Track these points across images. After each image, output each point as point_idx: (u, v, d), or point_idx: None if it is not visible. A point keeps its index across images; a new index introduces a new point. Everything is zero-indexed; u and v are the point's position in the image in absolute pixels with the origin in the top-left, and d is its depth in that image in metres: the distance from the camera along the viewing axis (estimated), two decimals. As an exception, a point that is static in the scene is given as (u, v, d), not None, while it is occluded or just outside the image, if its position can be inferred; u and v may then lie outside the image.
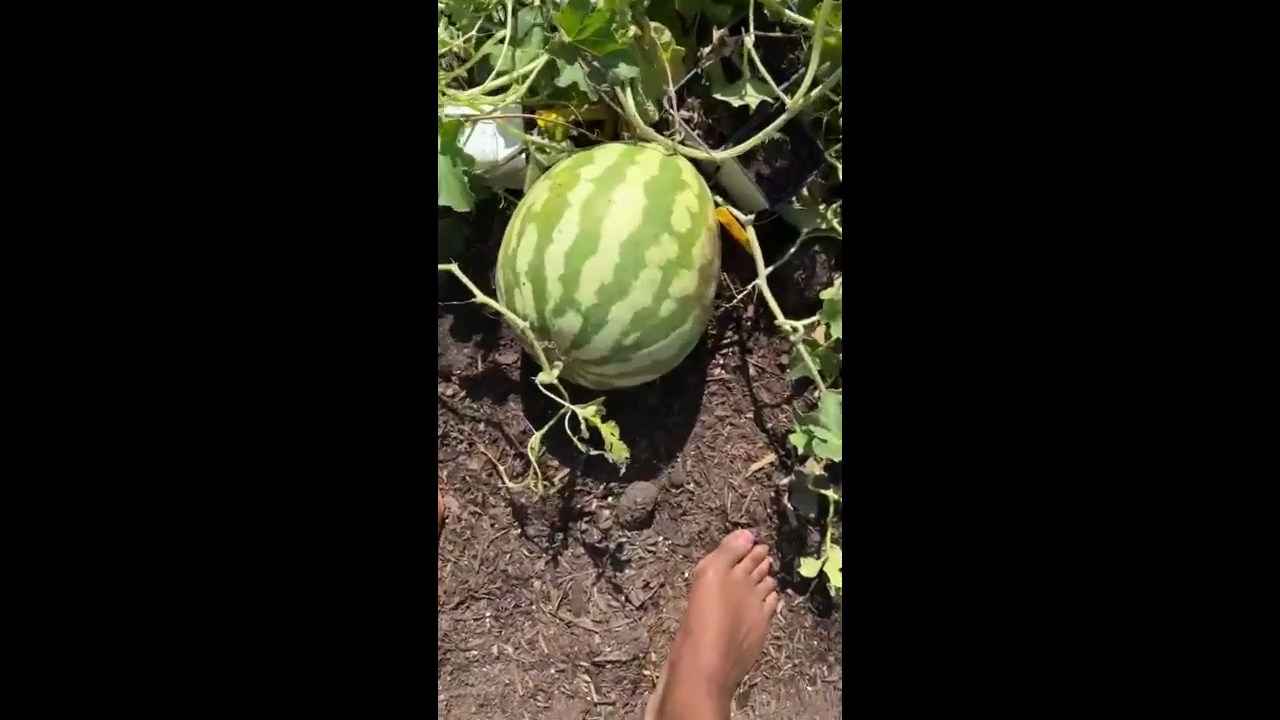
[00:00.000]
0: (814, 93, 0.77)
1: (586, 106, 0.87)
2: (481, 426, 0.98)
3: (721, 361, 1.01)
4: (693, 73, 0.87)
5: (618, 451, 0.76)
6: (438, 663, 0.90)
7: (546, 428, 0.83)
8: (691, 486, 1.00)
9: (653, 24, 0.84)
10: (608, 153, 0.78)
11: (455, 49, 0.86)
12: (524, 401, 0.98)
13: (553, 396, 0.77)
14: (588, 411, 0.75)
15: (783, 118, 0.78)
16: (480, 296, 0.76)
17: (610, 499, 0.98)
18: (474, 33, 0.84)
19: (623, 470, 0.88)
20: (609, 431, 0.75)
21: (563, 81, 0.74)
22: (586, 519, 0.98)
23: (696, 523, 0.99)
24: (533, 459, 0.83)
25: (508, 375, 0.99)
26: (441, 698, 0.95)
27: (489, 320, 0.98)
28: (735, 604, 0.86)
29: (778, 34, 0.86)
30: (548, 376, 0.74)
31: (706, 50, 0.86)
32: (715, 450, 1.00)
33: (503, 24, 0.81)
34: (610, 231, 0.72)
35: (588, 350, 0.75)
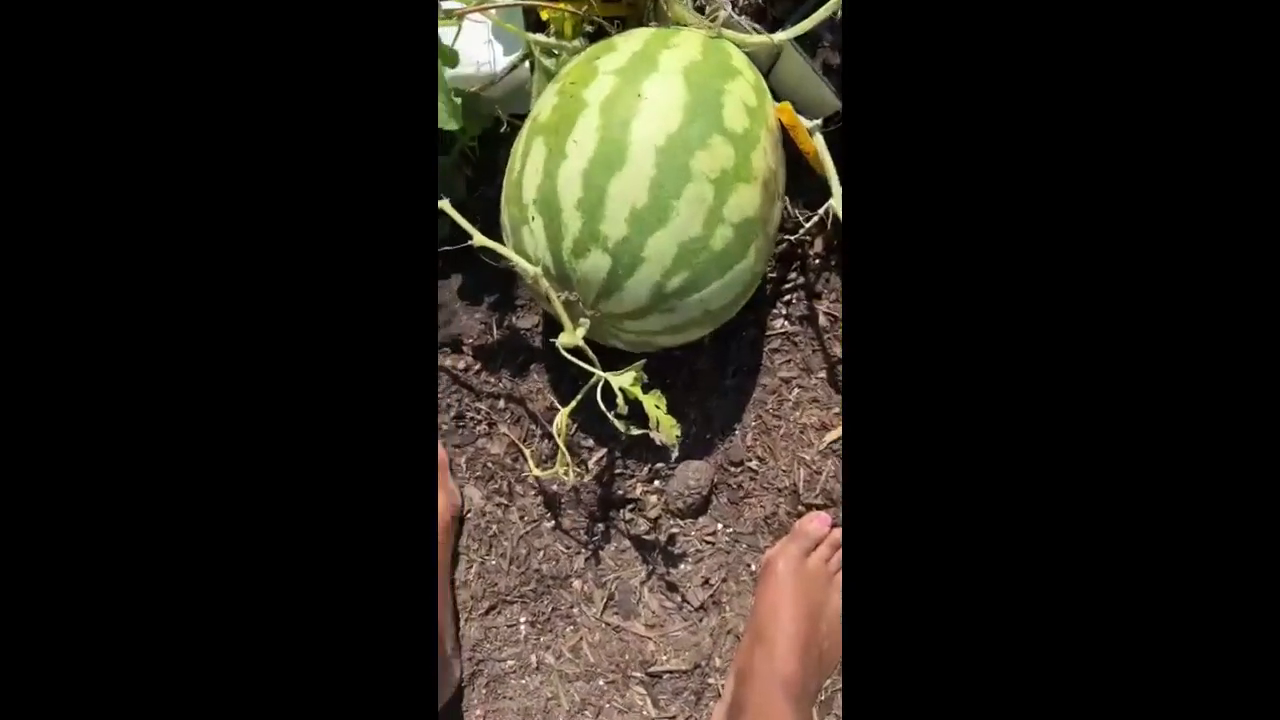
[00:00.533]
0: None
1: (601, -6, 0.68)
2: (501, 404, 0.83)
3: (784, 311, 0.83)
4: (735, -60, 0.67)
5: (666, 430, 0.59)
6: (438, 671, 0.77)
7: (574, 403, 0.67)
8: (754, 463, 0.83)
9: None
10: (632, 39, 0.59)
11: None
12: (549, 372, 0.82)
13: (578, 363, 0.60)
14: (624, 380, 0.58)
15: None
16: (478, 237, 0.59)
17: (658, 482, 0.82)
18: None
19: (675, 453, 0.71)
20: (653, 404, 0.58)
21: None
22: (631, 507, 0.82)
23: (762, 506, 0.83)
24: (560, 442, 0.66)
25: (528, 341, 0.83)
26: (477, 712, 0.83)
27: (502, 277, 0.82)
28: (812, 599, 0.71)
29: None
30: (570, 338, 0.57)
31: (752, -97, 0.66)
32: (781, 419, 0.83)
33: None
34: (642, 136, 0.54)
35: (620, 299, 0.58)
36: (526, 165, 0.58)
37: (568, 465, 0.67)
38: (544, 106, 0.60)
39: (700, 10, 0.66)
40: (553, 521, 0.82)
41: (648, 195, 0.54)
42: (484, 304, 0.83)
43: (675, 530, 0.82)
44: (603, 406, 0.61)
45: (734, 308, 0.65)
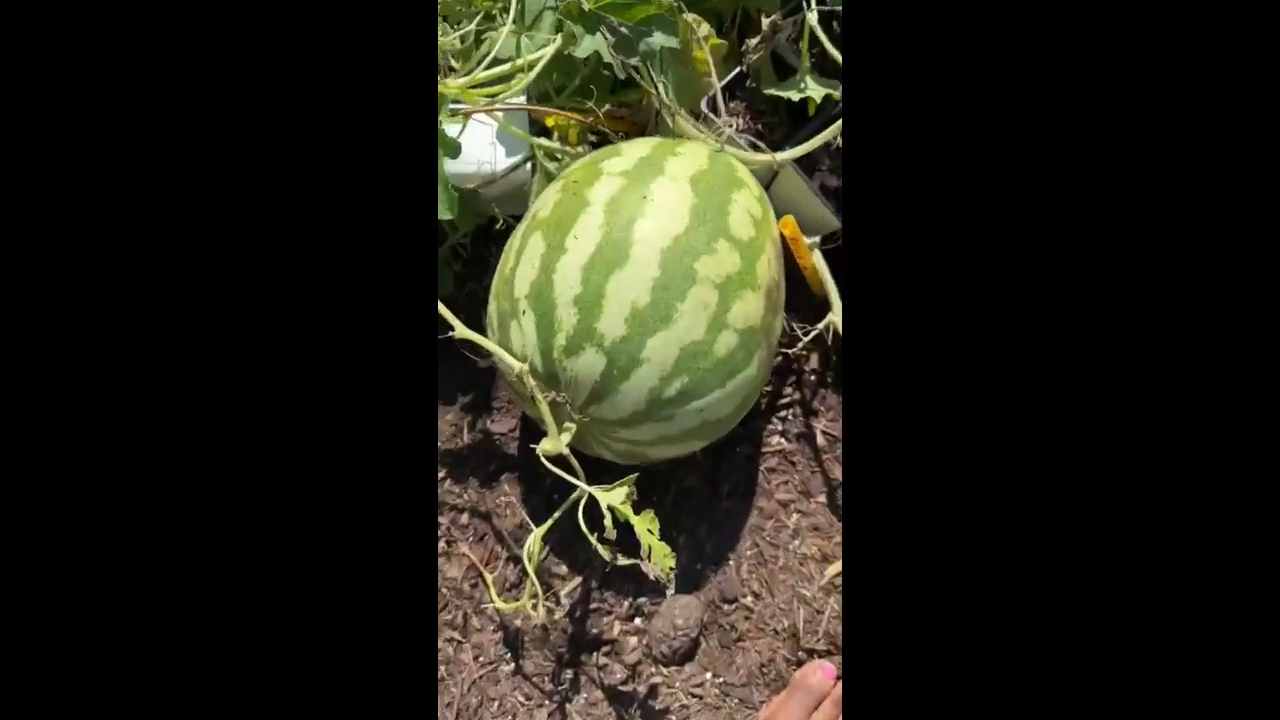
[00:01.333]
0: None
1: (608, 106, 0.70)
2: (465, 518, 0.74)
3: (780, 427, 0.79)
4: (736, 71, 0.71)
5: (659, 559, 0.51)
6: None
7: (550, 522, 0.59)
8: (749, 600, 0.74)
9: (689, 15, 0.69)
10: (638, 145, 0.59)
11: (449, 47, 0.70)
12: (522, 484, 0.74)
13: (561, 474, 0.54)
14: (614, 497, 0.51)
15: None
16: (460, 328, 0.54)
17: (639, 620, 0.72)
18: (472, 26, 0.68)
19: (670, 589, 0.63)
20: (646, 527, 0.51)
21: (581, 52, 0.57)
22: (606, 649, 0.71)
23: (757, 650, 0.72)
24: (530, 568, 0.57)
25: (502, 449, 0.76)
26: None
27: (480, 377, 0.77)
28: None
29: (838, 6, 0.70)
30: (554, 444, 0.51)
31: (754, 41, 0.70)
32: (779, 548, 0.75)
33: (504, 20, 0.66)
34: (647, 236, 0.51)
35: (614, 404, 0.53)
36: (521, 260, 0.55)
37: (537, 598, 0.57)
38: (545, 203, 0.58)
39: (705, 123, 0.67)
40: (513, 664, 0.70)
41: (650, 295, 0.51)
42: (457, 404, 0.77)
43: (657, 680, 0.70)
44: (584, 529, 0.53)
45: (733, 420, 0.60)
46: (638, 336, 0.51)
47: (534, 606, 0.56)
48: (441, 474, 0.75)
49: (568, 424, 0.55)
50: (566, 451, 0.53)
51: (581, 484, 0.53)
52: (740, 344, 0.54)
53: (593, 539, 0.53)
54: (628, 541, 0.55)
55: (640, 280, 0.51)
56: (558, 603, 0.70)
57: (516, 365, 0.52)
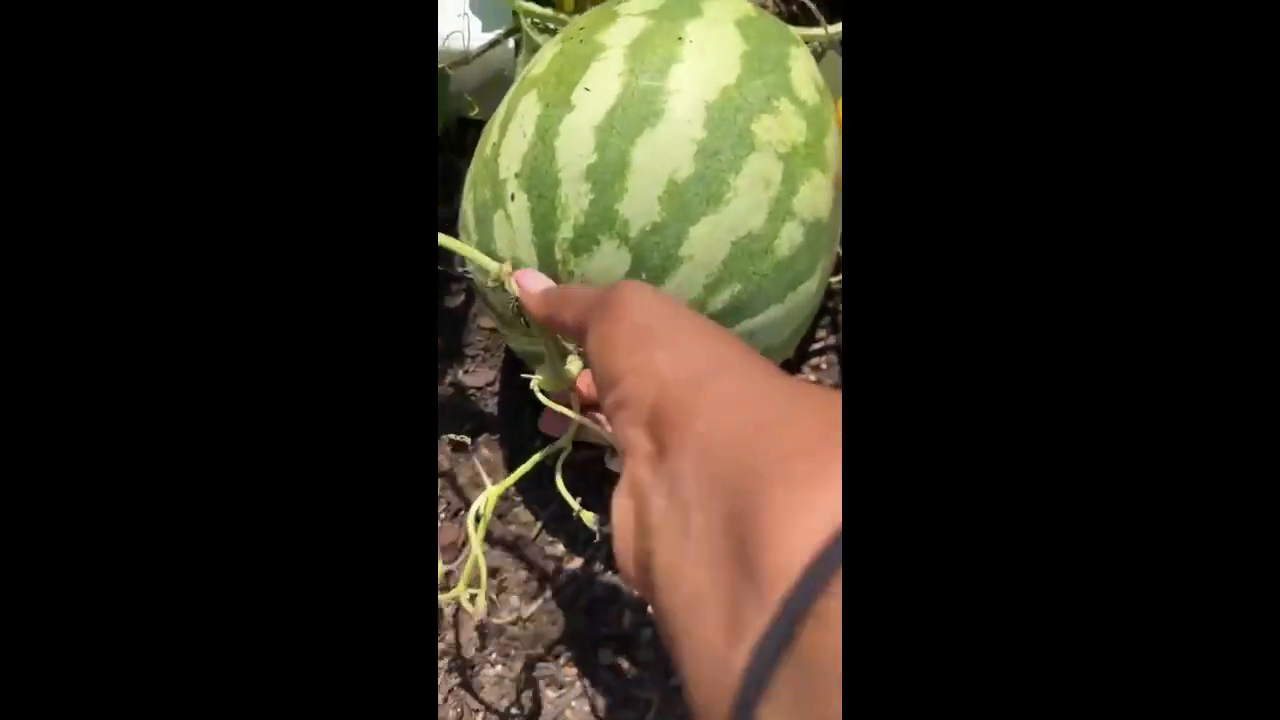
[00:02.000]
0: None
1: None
2: (437, 488, 0.59)
3: (812, 377, 0.66)
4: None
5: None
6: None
7: (514, 476, 0.44)
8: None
9: None
10: (661, -12, 0.45)
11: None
12: (504, 447, 0.61)
13: (562, 411, 0.38)
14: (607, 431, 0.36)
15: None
16: (445, 240, 0.38)
17: (650, 609, 0.58)
18: None
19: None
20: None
21: None
22: (616, 645, 0.58)
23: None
24: (474, 539, 0.42)
25: (478, 405, 0.62)
26: None
27: (450, 318, 0.62)
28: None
29: None
30: (555, 379, 0.37)
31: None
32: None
33: None
34: (687, 85, 0.37)
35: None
36: (509, 130, 0.41)
37: (479, 584, 0.42)
38: (539, 60, 0.43)
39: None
40: (498, 666, 0.56)
41: (695, 164, 0.37)
42: (424, 352, 0.62)
43: (675, 681, 0.57)
44: (563, 490, 0.40)
45: (785, 351, 0.47)
46: (676, 224, 0.37)
47: (472, 599, 0.41)
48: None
49: (577, 354, 0.40)
50: (572, 382, 0.38)
51: (573, 415, 0.38)
52: (806, 243, 0.40)
53: (574, 504, 0.40)
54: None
55: (680, 143, 0.37)
56: (525, 606, 0.56)
57: (493, 265, 0.37)
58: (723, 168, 0.37)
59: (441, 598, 0.46)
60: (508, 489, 0.46)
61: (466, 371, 0.62)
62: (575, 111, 0.38)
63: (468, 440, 0.60)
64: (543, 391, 0.37)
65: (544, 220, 0.38)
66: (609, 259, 0.37)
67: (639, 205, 0.37)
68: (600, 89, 0.38)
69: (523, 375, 0.41)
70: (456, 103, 0.57)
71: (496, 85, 0.57)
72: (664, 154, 0.37)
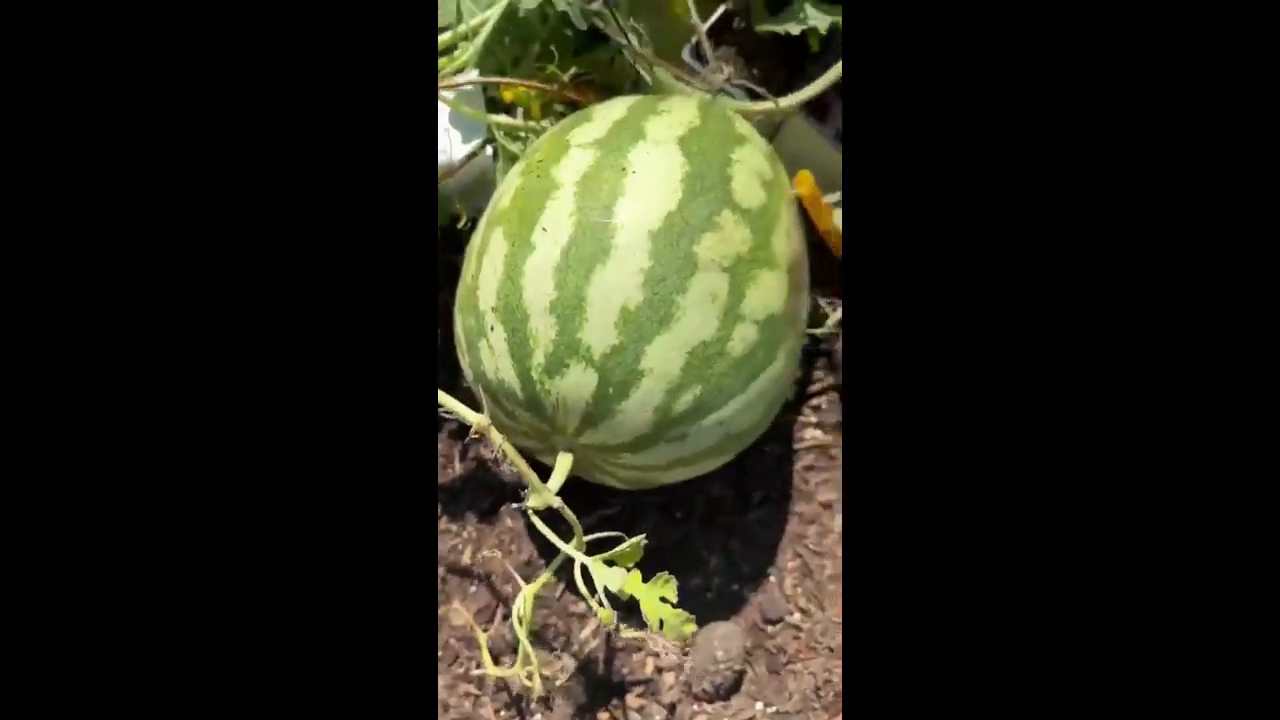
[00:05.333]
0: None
1: (574, 70, 0.59)
2: (465, 558, 0.66)
3: (814, 418, 0.69)
4: (721, 10, 0.60)
5: (674, 629, 0.42)
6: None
7: (539, 583, 0.50)
8: (797, 618, 0.65)
9: (657, -53, 0.58)
10: (612, 106, 0.49)
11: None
12: (525, 514, 0.65)
13: (551, 537, 0.44)
14: (612, 576, 0.42)
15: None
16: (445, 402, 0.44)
17: (675, 655, 0.63)
18: None
19: (689, 654, 0.54)
20: (654, 599, 0.41)
21: (527, 3, 0.46)
22: (641, 689, 0.63)
23: (811, 673, 0.64)
24: (521, 633, 0.48)
25: (499, 476, 0.67)
26: None
27: (468, 395, 0.68)
28: None
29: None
30: (540, 498, 0.42)
31: (740, -31, 0.59)
32: (824, 556, 0.66)
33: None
34: (632, 219, 0.41)
35: (613, 428, 0.43)
36: (484, 263, 0.45)
37: (531, 667, 0.48)
38: (506, 190, 0.48)
39: (691, 74, 0.56)
40: (538, 715, 0.62)
41: (643, 292, 0.41)
42: (444, 429, 0.68)
43: (701, 718, 0.62)
44: (583, 589, 0.44)
45: (760, 428, 0.51)
46: (633, 344, 0.41)
47: (529, 676, 0.47)
48: (437, 513, 0.66)
49: (562, 454, 0.45)
50: (556, 503, 0.44)
51: (572, 550, 0.43)
52: (761, 338, 0.44)
53: (592, 601, 0.44)
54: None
55: (628, 275, 0.41)
56: (555, 680, 0.62)
57: (475, 419, 0.42)
58: (669, 291, 0.41)
59: (500, 672, 0.53)
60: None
61: (486, 444, 0.68)
62: (535, 253, 0.42)
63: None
64: (535, 511, 0.43)
65: (520, 349, 0.43)
66: (578, 379, 0.42)
67: (598, 332, 0.41)
68: (555, 229, 0.42)
69: (513, 506, 0.46)
70: (447, 207, 0.63)
71: (480, 187, 0.62)
72: (615, 288, 0.41)
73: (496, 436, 0.41)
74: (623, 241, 0.41)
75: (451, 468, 0.67)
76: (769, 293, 0.44)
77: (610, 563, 0.44)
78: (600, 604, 0.44)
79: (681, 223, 0.42)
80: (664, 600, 0.43)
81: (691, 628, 0.43)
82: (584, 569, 0.45)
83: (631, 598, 0.46)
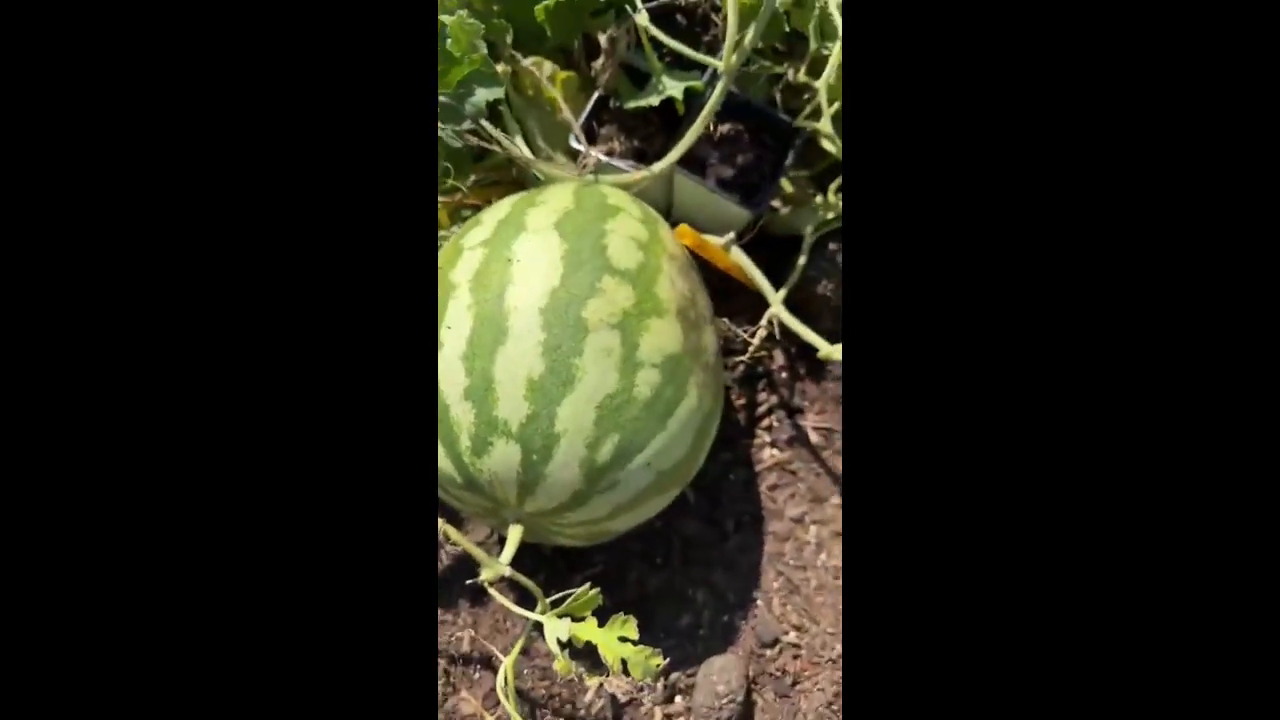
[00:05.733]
0: (746, 41, 0.55)
1: (473, 179, 0.66)
2: (465, 645, 0.67)
3: (768, 438, 0.72)
4: (596, 96, 0.67)
5: (637, 669, 0.44)
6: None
7: (514, 652, 0.52)
8: (793, 635, 0.66)
9: (529, 60, 0.66)
10: (498, 208, 0.55)
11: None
12: (514, 590, 0.68)
13: (508, 605, 0.48)
14: (559, 628, 0.44)
15: (719, 86, 0.56)
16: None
17: (679, 698, 0.64)
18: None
19: (658, 680, 0.56)
20: (611, 640, 0.44)
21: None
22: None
23: (820, 689, 0.64)
24: (508, 705, 0.50)
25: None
26: None
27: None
28: None
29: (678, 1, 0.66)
30: (491, 571, 0.46)
31: (600, 61, 0.66)
32: (807, 569, 0.68)
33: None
34: (521, 302, 0.47)
35: (547, 490, 0.47)
36: (409, 367, 0.50)
37: None
38: (418, 300, 0.53)
39: (574, 158, 0.63)
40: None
41: (543, 361, 0.45)
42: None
43: (720, 758, 0.62)
44: (550, 645, 0.47)
45: (694, 460, 0.54)
46: (544, 410, 0.45)
47: None
48: (429, 605, 0.69)
49: (512, 526, 0.49)
50: (508, 571, 0.47)
51: (529, 613, 0.46)
52: (665, 377, 0.48)
53: (559, 654, 0.47)
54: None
55: (527, 350, 0.46)
56: (582, 707, 0.63)
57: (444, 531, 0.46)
58: (566, 355, 0.46)
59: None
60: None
61: (467, 531, 0.71)
62: (445, 348, 0.47)
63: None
64: (489, 582, 0.46)
65: (448, 437, 0.47)
66: (503, 452, 0.46)
67: (511, 406, 0.45)
68: (458, 324, 0.47)
69: (469, 581, 0.50)
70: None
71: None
72: (517, 363, 0.45)
73: (453, 533, 0.45)
74: (517, 322, 0.46)
75: (439, 559, 0.70)
76: (662, 336, 0.48)
77: (576, 616, 0.47)
78: (561, 656, 0.47)
79: (566, 295, 0.47)
80: (624, 639, 0.45)
81: (657, 661, 0.45)
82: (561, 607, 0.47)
83: (578, 675, 0.48)
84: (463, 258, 0.50)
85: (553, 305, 0.46)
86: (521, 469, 0.46)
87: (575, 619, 0.45)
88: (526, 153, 0.60)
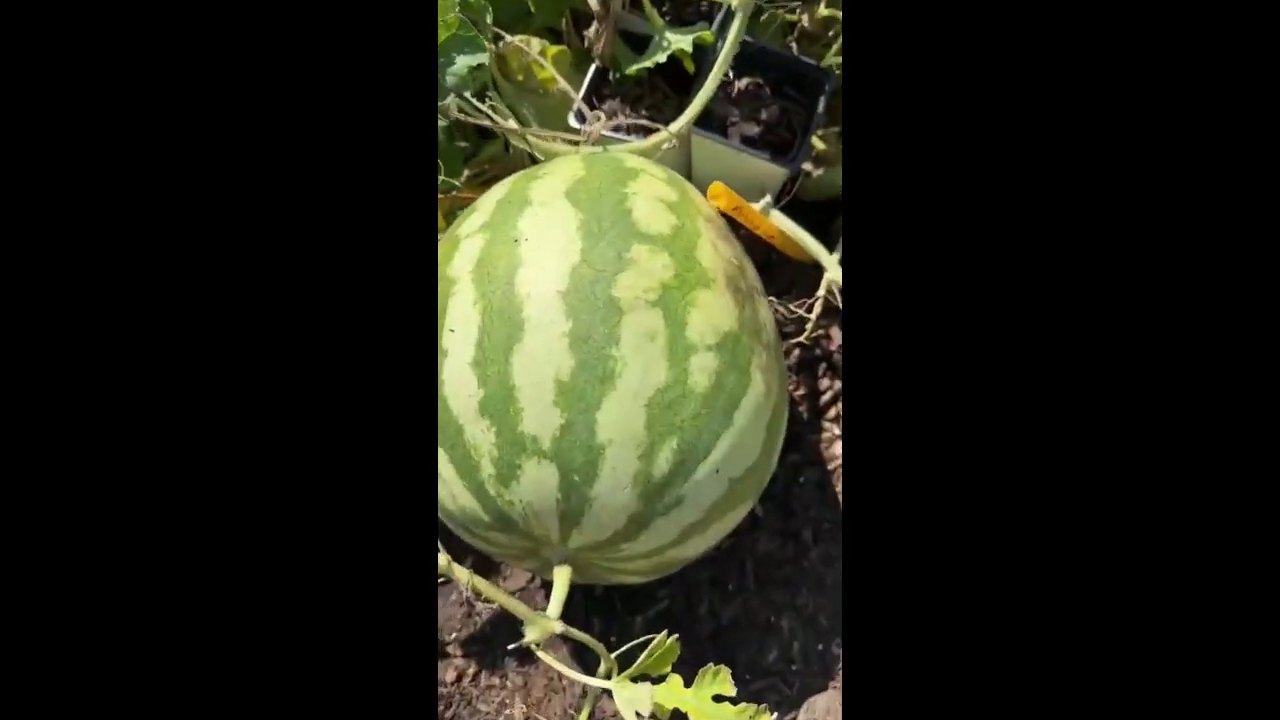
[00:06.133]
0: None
1: (466, 174, 0.59)
2: (517, 709, 0.57)
3: (836, 430, 0.62)
4: (594, 68, 0.59)
5: None
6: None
7: (585, 712, 0.42)
8: (904, 661, 0.54)
9: (516, 38, 0.59)
10: (494, 190, 0.46)
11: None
12: (565, 641, 0.58)
13: (564, 671, 0.38)
14: (639, 698, 0.35)
15: (734, 26, 0.48)
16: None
17: (781, 754, 0.53)
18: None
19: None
20: (704, 699, 0.34)
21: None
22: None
23: None
24: None
25: (529, 602, 0.60)
26: None
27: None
28: None
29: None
30: (538, 629, 0.36)
31: (594, 28, 0.59)
32: (907, 577, 0.57)
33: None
34: (536, 287, 0.38)
35: (596, 519, 0.38)
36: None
37: None
38: (415, 308, 0.44)
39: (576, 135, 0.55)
40: None
41: (572, 356, 0.36)
42: (455, 584, 0.62)
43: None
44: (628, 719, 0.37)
45: (769, 463, 0.44)
46: (581, 417, 0.36)
47: None
48: (471, 670, 0.59)
49: (558, 569, 0.39)
50: (560, 628, 0.37)
51: (596, 681, 0.37)
52: (724, 362, 0.38)
53: None
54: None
55: (550, 345, 0.36)
56: None
57: (464, 576, 0.37)
58: (600, 345, 0.36)
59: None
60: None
61: (504, 579, 0.62)
62: (450, 356, 0.38)
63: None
64: (535, 644, 0.37)
65: (465, 465, 0.38)
66: (536, 477, 0.37)
67: (539, 417, 0.36)
68: (462, 325, 0.38)
69: (509, 646, 0.40)
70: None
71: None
72: (540, 363, 0.36)
73: (461, 573, 0.36)
74: (534, 312, 0.37)
75: (476, 615, 0.60)
76: (713, 311, 0.39)
77: (646, 677, 0.37)
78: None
79: (591, 272, 0.38)
80: (720, 699, 0.35)
81: (767, 718, 0.35)
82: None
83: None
84: (459, 249, 0.41)
85: (575, 286, 0.37)
86: (561, 495, 0.37)
87: (654, 680, 0.35)
88: (512, 122, 0.52)
